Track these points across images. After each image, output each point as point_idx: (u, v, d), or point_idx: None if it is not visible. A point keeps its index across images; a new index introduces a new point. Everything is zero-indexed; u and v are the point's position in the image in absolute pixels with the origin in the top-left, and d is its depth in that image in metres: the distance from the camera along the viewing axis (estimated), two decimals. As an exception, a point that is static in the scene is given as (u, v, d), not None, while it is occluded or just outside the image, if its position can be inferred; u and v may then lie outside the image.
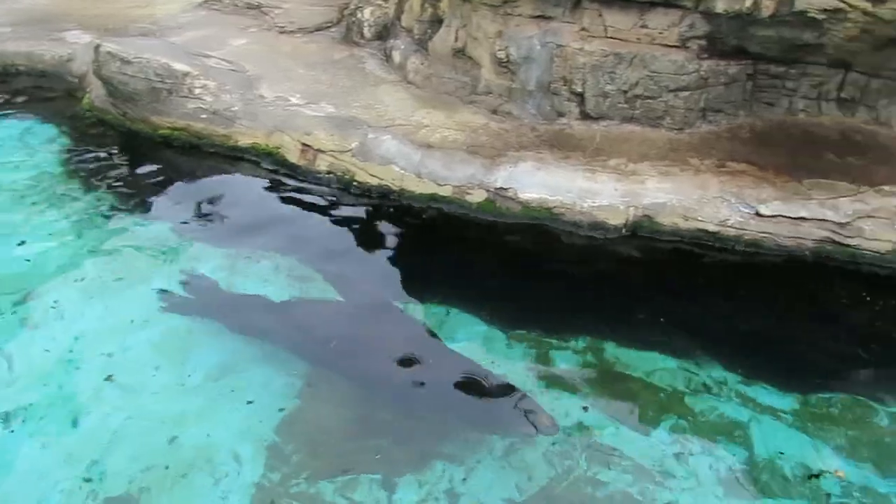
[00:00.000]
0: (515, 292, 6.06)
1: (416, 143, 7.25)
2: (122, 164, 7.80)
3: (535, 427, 4.55)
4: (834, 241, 6.15)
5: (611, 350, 5.42)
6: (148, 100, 8.03)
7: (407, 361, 5.09)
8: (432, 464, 4.54)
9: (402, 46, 8.65)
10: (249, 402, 4.96)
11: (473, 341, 5.46)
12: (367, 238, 6.74)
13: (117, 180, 7.51)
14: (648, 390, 5.10)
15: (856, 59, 6.72)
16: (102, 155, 7.92)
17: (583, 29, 7.24)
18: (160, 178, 7.55)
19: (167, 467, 4.48)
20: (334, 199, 7.20)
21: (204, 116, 7.92)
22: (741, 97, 7.14)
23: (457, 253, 6.66)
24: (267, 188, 7.42)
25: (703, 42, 6.98)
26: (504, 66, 7.50)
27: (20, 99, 9.14)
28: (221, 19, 10.02)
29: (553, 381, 5.15)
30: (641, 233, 6.50)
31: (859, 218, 6.17)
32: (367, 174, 7.19)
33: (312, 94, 8.06)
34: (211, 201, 7.18)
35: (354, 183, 7.24)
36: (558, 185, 6.70)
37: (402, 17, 8.79)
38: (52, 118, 8.64)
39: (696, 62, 6.96)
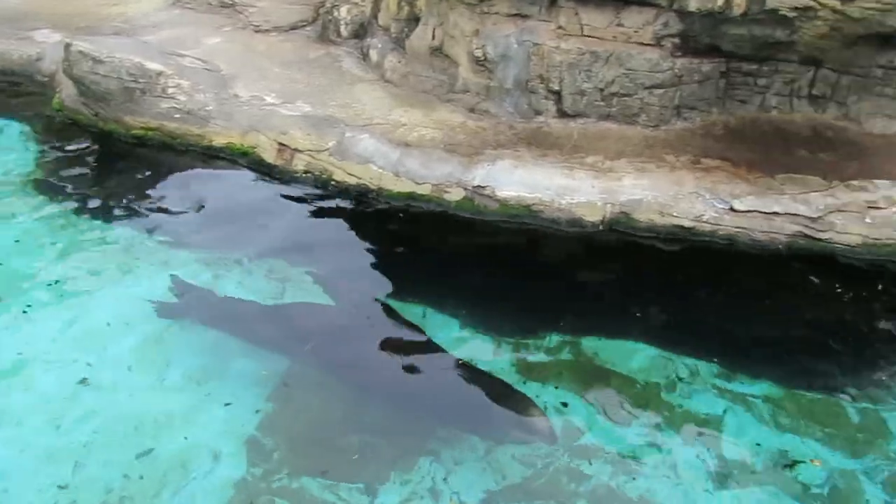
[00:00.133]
0: (494, 289, 6.07)
1: (394, 142, 7.24)
2: (94, 165, 7.68)
3: (535, 435, 4.58)
4: (806, 235, 6.26)
5: (589, 345, 5.46)
6: (121, 100, 7.91)
7: (390, 360, 5.08)
8: (416, 461, 4.54)
9: (380, 45, 8.62)
10: (227, 404, 4.92)
11: (452, 338, 5.46)
12: (346, 237, 6.71)
13: (90, 181, 7.39)
14: (627, 384, 5.15)
15: (826, 57, 6.85)
16: (74, 156, 7.78)
17: (559, 27, 7.29)
18: (133, 180, 7.43)
19: (141, 476, 4.42)
20: (312, 198, 7.15)
21: (178, 116, 7.81)
22: (715, 94, 7.23)
23: (435, 251, 6.66)
24: (243, 188, 7.34)
25: (676, 40, 7.07)
26: (481, 64, 7.52)
27: (-13, 99, 8.96)
28: (195, 18, 9.89)
29: (532, 377, 5.17)
30: (618, 228, 6.56)
31: (830, 212, 6.29)
32: (345, 173, 7.16)
33: (288, 94, 8.00)
34: (186, 202, 7.07)
35: (332, 182, 7.20)
36: (536, 182, 6.72)
37: (379, 15, 8.76)
38: (21, 119, 8.46)
39: (671, 60, 7.04)
